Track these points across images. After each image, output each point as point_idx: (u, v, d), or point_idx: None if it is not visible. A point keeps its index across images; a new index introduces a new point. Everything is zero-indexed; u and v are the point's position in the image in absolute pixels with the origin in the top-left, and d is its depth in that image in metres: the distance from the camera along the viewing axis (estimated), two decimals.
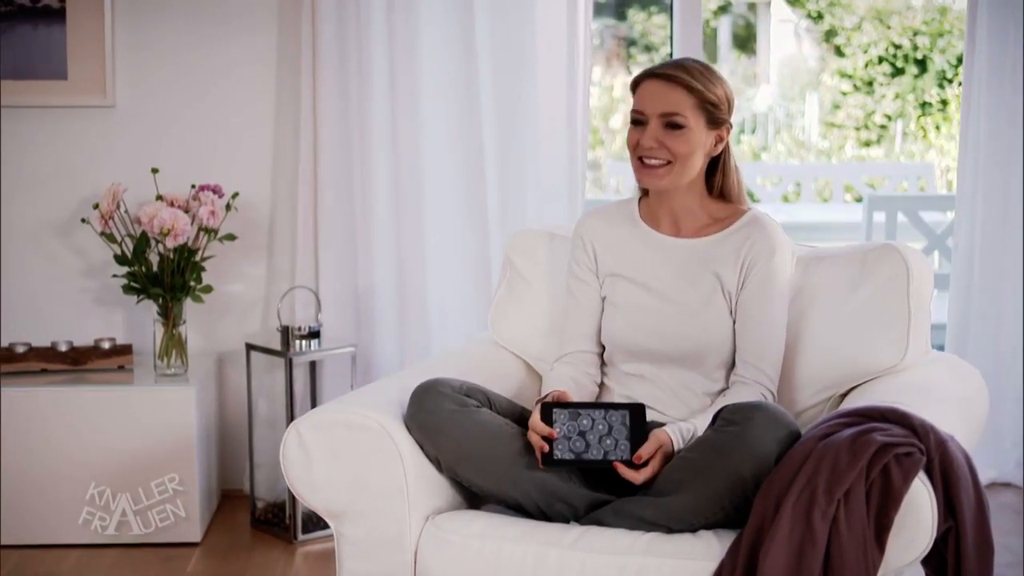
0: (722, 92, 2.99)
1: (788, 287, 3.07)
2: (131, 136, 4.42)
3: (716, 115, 2.99)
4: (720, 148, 3.03)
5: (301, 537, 4.14)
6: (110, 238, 4.17)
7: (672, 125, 2.95)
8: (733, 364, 3.06)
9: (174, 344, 4.21)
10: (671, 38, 4.60)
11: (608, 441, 2.78)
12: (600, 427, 2.79)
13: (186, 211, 4.18)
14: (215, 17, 4.40)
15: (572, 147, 4.40)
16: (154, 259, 4.20)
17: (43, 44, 4.34)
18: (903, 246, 3.17)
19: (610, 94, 11.14)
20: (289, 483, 2.88)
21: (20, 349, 4.22)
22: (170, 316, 4.20)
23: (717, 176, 3.10)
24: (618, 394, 3.12)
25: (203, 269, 4.24)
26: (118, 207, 4.16)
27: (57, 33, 4.34)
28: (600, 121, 10.93)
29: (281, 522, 4.22)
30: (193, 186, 4.25)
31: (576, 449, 2.78)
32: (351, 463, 2.82)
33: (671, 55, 4.61)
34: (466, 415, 2.84)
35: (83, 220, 4.24)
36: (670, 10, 4.57)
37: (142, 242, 4.16)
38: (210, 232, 4.20)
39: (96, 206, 4.16)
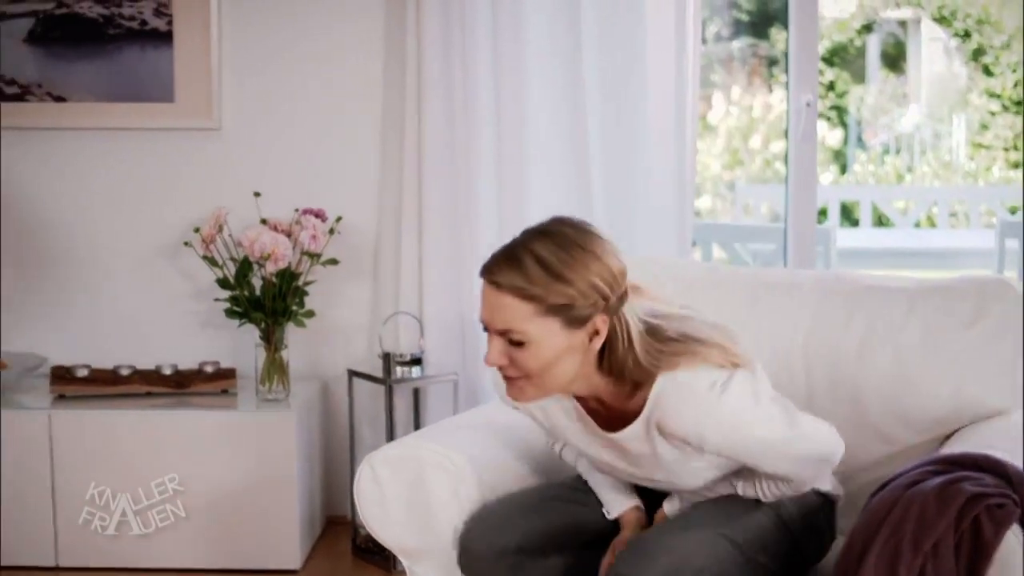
0: (581, 285, 2.38)
1: (750, 416, 2.48)
2: (236, 158, 4.40)
3: (575, 315, 2.38)
4: (601, 340, 2.43)
5: (400, 567, 4.07)
6: (212, 262, 4.15)
7: (513, 342, 2.40)
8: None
9: (276, 369, 4.18)
10: (786, 56, 4.46)
11: None
12: None
13: (288, 235, 4.15)
14: (321, 41, 4.36)
15: (681, 167, 4.28)
16: (257, 283, 4.17)
17: (151, 66, 4.34)
18: (1018, 282, 3.01)
19: (750, 114, 10.97)
20: (362, 517, 2.81)
21: (125, 372, 4.22)
22: (272, 340, 4.17)
23: (604, 359, 2.47)
24: None
25: (306, 293, 4.20)
26: (220, 231, 4.14)
27: (164, 56, 4.33)
28: (739, 141, 10.76)
29: (382, 551, 4.15)
30: (296, 210, 4.22)
31: None
32: (423, 502, 2.74)
33: (787, 71, 4.46)
34: None
35: (186, 243, 4.23)
36: (786, 28, 4.44)
37: (244, 266, 4.14)
38: (312, 256, 4.16)
39: (197, 230, 4.14)
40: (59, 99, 4.37)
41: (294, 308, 4.18)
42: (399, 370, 4.12)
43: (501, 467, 2.89)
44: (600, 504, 2.77)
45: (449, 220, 4.28)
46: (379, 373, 4.16)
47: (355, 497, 2.81)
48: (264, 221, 4.18)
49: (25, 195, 4.41)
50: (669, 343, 2.45)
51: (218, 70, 4.34)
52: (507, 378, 2.47)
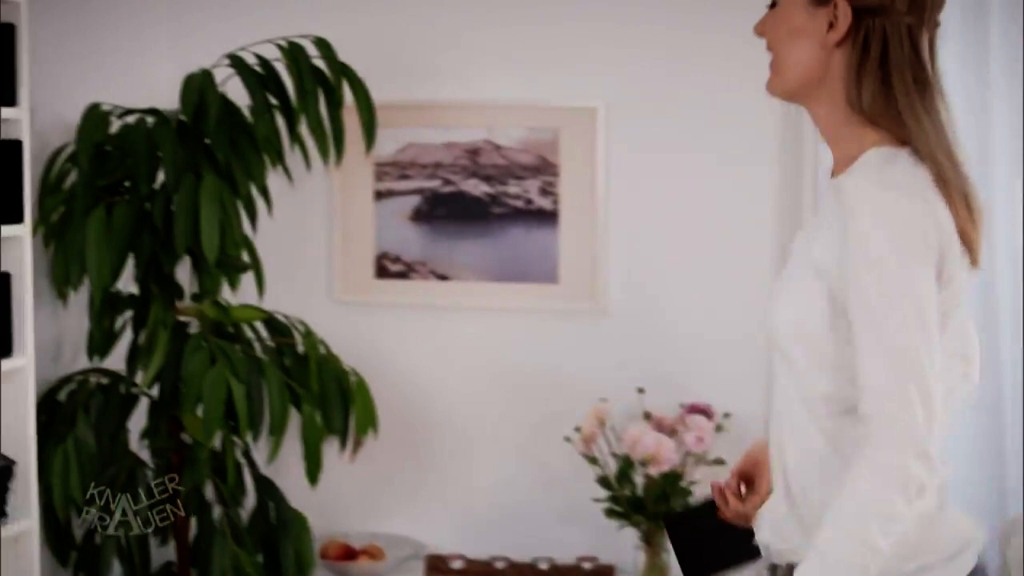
0: None
1: (898, 274, 1.95)
2: (619, 343, 4.19)
3: None
4: (837, 36, 2.09)
5: None
6: (592, 460, 3.96)
7: (771, 4, 2.19)
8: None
9: (657, 573, 3.95)
10: None
11: None
12: None
13: (673, 433, 3.91)
14: (708, 228, 4.13)
15: None
16: (639, 480, 3.95)
17: (535, 246, 4.20)
18: None
19: None
20: None
21: (500, 565, 4.07)
22: (653, 543, 3.94)
23: (850, 85, 2.10)
24: None
25: (690, 493, 3.95)
26: (602, 426, 3.94)
27: (549, 236, 4.18)
28: None
29: None
30: (681, 405, 3.98)
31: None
32: None
33: None
34: None
35: (566, 439, 4.04)
36: None
37: (626, 466, 3.92)
38: (698, 457, 3.91)
39: (579, 429, 3.96)
40: (442, 277, 4.27)
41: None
42: None
43: None
44: None
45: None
46: None
47: None
48: (647, 415, 3.96)
49: (407, 373, 4.33)
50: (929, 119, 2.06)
51: (604, 251, 4.16)
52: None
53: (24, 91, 3.30)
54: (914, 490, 1.90)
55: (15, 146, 3.29)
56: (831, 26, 2.08)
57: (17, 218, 3.30)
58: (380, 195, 4.28)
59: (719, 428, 3.96)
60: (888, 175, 2.00)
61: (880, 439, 1.90)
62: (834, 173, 2.16)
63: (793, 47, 2.13)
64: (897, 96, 2.04)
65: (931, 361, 1.92)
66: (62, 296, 3.73)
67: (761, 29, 2.18)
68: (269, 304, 3.98)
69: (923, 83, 2.06)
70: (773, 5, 2.16)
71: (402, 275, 4.29)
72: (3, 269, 3.32)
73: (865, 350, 1.94)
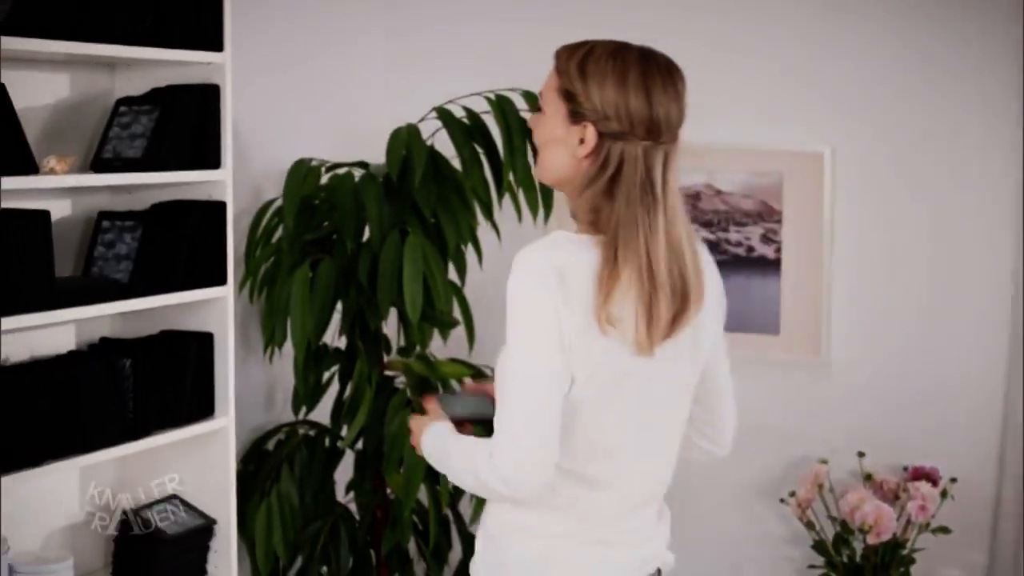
0: (593, 89, 2.33)
1: (517, 341, 2.30)
2: (841, 398, 4.03)
3: (575, 109, 2.35)
4: (584, 150, 2.33)
5: None
6: (809, 526, 3.80)
7: (540, 107, 2.46)
8: None
9: None
10: None
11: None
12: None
13: (895, 499, 3.73)
14: (942, 283, 3.92)
15: None
16: (858, 545, 3.78)
17: (757, 295, 4.05)
18: None
19: None
20: None
21: None
22: None
23: (575, 188, 2.38)
24: None
25: (912, 561, 3.76)
26: (820, 489, 3.79)
27: (771, 285, 4.02)
28: None
29: None
30: (905, 468, 3.79)
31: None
32: None
33: None
34: None
35: (782, 500, 3.89)
36: None
37: (844, 532, 3.75)
38: (921, 525, 3.72)
39: (793, 494, 3.81)
40: None
41: None
42: None
43: None
44: None
45: None
46: None
47: None
48: (868, 477, 3.79)
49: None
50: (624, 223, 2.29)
51: (828, 302, 3.98)
52: None
53: (227, 153, 3.29)
54: (487, 493, 2.36)
55: (219, 208, 3.30)
56: (582, 141, 2.32)
57: (220, 280, 3.31)
58: None
59: (944, 494, 3.76)
60: (541, 257, 2.27)
61: (490, 460, 2.28)
62: None
63: (552, 152, 2.40)
64: (618, 207, 2.27)
65: (530, 418, 2.25)
66: (268, 348, 3.72)
67: (532, 127, 2.46)
68: (482, 347, 3.93)
69: (649, 197, 2.27)
70: (540, 110, 2.42)
71: None
72: (206, 330, 3.33)
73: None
